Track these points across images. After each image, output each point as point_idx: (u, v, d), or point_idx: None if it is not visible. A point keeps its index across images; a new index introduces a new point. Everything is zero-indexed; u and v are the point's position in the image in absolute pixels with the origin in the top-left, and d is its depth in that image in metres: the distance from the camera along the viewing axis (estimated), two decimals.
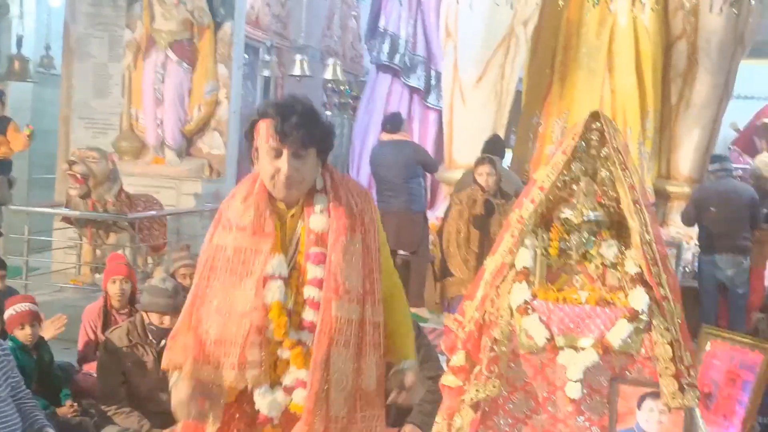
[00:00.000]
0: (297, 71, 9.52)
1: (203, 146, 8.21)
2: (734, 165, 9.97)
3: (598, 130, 3.32)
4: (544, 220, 3.40)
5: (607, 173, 3.34)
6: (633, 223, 3.26)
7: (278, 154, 2.39)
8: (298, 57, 9.61)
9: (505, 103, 9.03)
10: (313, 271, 2.42)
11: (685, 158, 9.07)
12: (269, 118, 2.40)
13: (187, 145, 8.31)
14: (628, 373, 3.16)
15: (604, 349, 3.15)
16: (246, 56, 9.06)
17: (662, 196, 9.12)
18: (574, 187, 3.35)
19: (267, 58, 9.45)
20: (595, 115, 3.32)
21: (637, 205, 3.29)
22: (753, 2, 8.83)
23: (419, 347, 3.93)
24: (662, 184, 9.14)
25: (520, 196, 3.46)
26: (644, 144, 8.98)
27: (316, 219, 2.45)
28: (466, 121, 8.89)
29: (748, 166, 10.16)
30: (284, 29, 10.37)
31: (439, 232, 6.38)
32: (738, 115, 11.46)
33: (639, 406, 3.08)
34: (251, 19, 9.38)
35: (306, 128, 2.38)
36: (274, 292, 2.40)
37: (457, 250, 6.13)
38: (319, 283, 2.41)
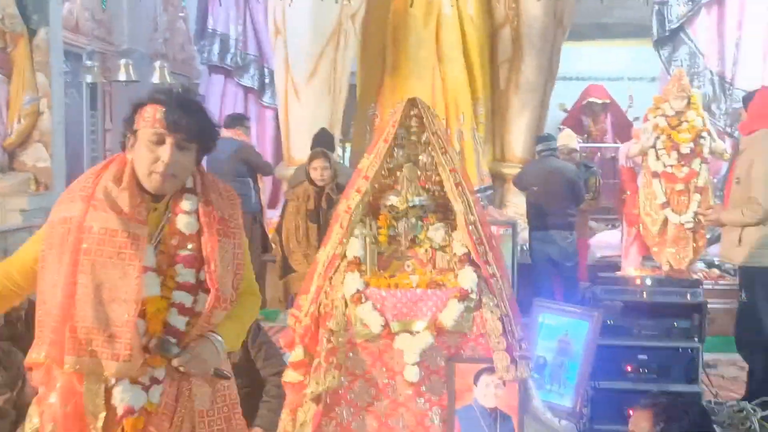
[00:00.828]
0: (122, 76, 9.25)
1: (27, 159, 7.82)
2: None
3: (416, 116, 3.38)
4: (372, 209, 3.43)
5: (429, 158, 3.40)
6: (457, 206, 3.33)
7: (161, 142, 2.33)
8: (122, 61, 9.34)
9: (339, 98, 9.14)
10: (184, 275, 2.38)
11: (518, 140, 9.45)
12: (159, 104, 2.34)
13: (9, 160, 7.91)
14: (462, 352, 3.22)
15: (438, 330, 3.21)
16: (67, 63, 8.71)
17: (499, 179, 9.49)
18: (398, 173, 3.40)
19: (89, 63, 9.11)
20: (412, 101, 3.39)
21: (460, 188, 3.36)
22: None
23: (260, 345, 3.95)
24: (498, 167, 9.52)
25: (347, 186, 3.48)
26: (477, 129, 9.30)
27: (185, 219, 2.40)
28: (301, 117, 8.94)
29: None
30: (108, 34, 10.05)
31: (278, 230, 6.36)
32: (565, 96, 12.04)
33: (475, 382, 3.14)
34: (71, 25, 9.03)
35: (195, 121, 2.35)
36: (152, 286, 2.34)
37: (297, 245, 6.15)
38: (192, 288, 2.38)
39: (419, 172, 3.42)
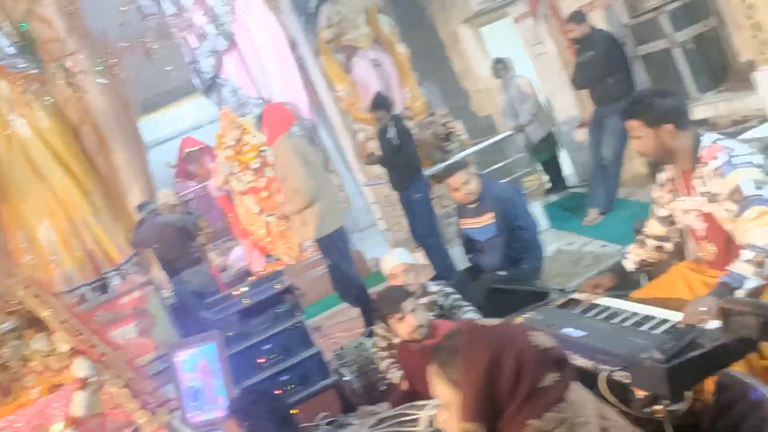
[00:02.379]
0: None
1: None
2: (184, 191, 10.85)
3: None
4: None
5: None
6: (44, 313, 3.42)
7: None
8: None
9: None
10: None
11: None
12: None
13: None
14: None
15: (75, 422, 3.27)
16: None
17: None
18: None
19: None
20: None
21: (40, 297, 3.44)
22: (120, 71, 9.39)
23: None
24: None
25: None
26: (99, 215, 9.16)
27: None
28: None
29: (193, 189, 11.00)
30: None
31: None
32: (168, 155, 12.25)
33: None
34: None
35: None
36: None
37: None
38: None
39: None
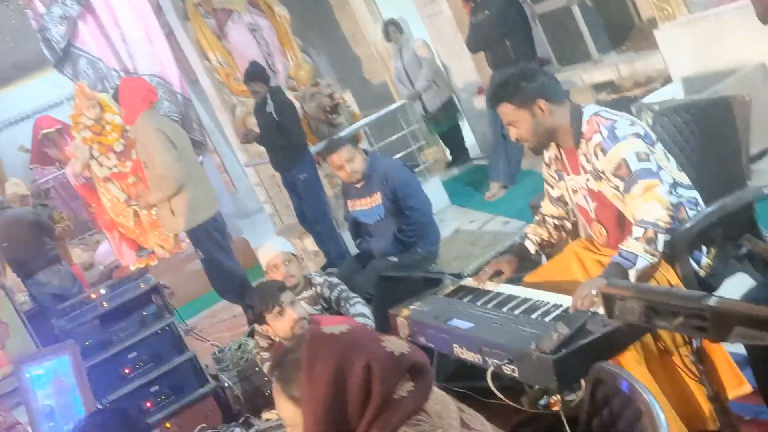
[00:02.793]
0: None
1: None
2: (42, 178, 10.43)
3: None
4: None
5: None
6: None
7: None
8: None
9: None
10: None
11: None
12: None
13: None
14: None
15: None
16: None
17: None
18: None
19: None
20: None
21: None
22: None
23: None
24: None
25: None
26: None
27: None
28: None
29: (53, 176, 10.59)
30: None
31: None
32: (22, 138, 11.71)
33: None
34: None
35: None
36: None
37: None
38: None
39: None
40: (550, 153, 3.21)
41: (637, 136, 2.85)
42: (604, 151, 2.88)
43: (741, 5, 5.33)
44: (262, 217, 9.85)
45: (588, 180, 3.02)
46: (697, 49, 5.72)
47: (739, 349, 2.75)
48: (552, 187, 3.32)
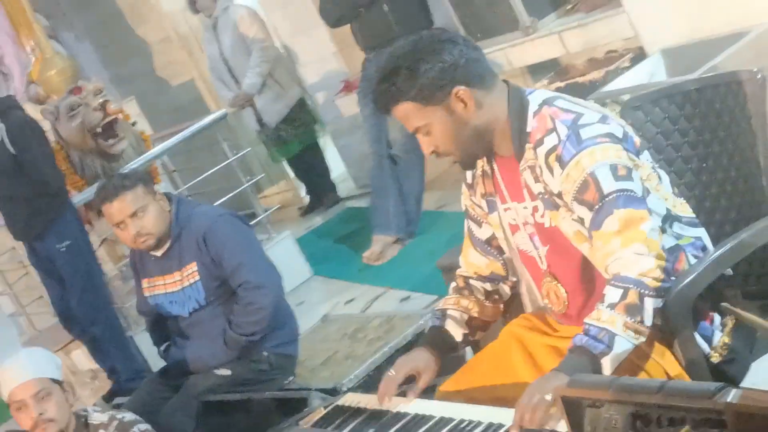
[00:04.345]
0: None
1: None
2: None
3: None
4: None
5: None
6: None
7: None
8: None
9: None
10: None
11: None
12: None
13: None
14: None
15: None
16: None
17: None
18: None
19: None
20: None
21: None
22: None
23: None
24: None
25: None
26: None
27: None
28: None
29: None
30: None
31: None
32: None
33: None
34: None
35: None
36: None
37: None
38: None
39: None
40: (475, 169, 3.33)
41: (613, 138, 2.86)
42: (561, 162, 2.88)
43: None
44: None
45: (536, 209, 3.07)
46: (681, 6, 5.91)
47: None
48: (478, 224, 3.37)
